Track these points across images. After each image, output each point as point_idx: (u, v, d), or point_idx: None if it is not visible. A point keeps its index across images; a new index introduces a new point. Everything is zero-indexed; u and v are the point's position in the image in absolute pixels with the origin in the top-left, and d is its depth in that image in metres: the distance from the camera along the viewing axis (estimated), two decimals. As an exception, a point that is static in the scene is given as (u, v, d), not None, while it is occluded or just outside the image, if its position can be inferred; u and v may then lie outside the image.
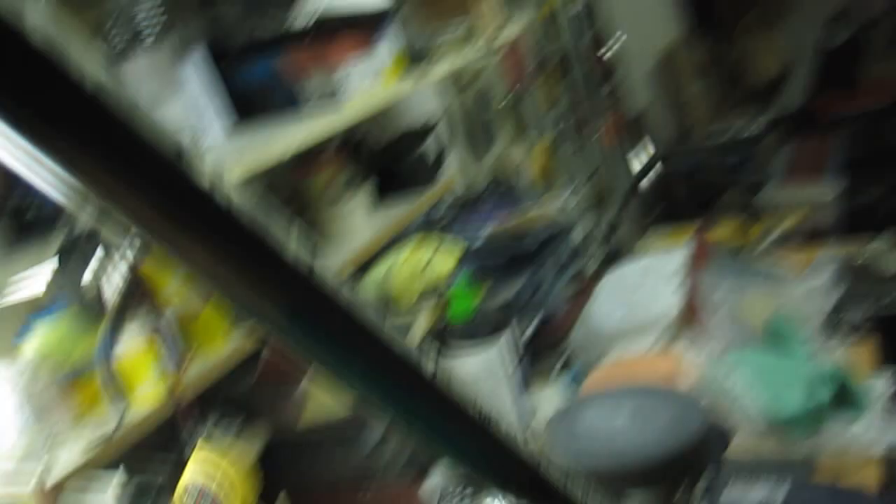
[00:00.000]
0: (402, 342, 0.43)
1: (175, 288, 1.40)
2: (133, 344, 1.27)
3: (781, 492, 1.21)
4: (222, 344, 1.43)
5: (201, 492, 1.09)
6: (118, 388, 1.15)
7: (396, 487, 1.39)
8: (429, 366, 0.44)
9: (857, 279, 1.87)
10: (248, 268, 0.37)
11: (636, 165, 3.96)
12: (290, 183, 1.81)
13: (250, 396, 1.43)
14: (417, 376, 0.44)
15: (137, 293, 1.16)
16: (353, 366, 0.42)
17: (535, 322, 1.90)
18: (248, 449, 1.37)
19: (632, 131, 4.14)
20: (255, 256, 0.37)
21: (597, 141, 3.56)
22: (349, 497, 1.41)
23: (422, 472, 1.46)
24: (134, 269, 1.23)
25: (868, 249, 1.89)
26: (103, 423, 1.24)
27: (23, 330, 1.30)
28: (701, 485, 1.23)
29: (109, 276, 1.17)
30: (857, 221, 3.26)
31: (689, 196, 3.78)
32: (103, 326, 1.13)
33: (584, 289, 2.04)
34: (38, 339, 1.27)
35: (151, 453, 1.33)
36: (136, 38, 1.42)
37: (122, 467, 1.22)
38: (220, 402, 1.43)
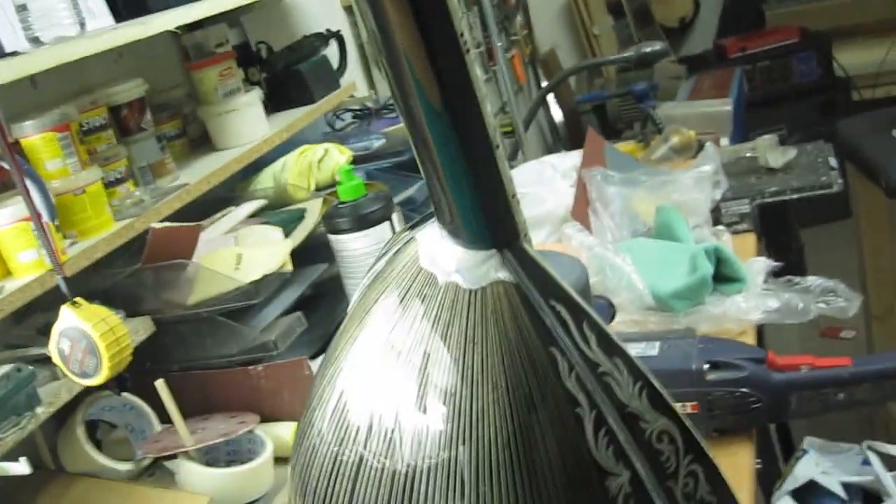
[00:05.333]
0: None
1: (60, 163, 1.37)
2: (11, 215, 1.25)
3: (655, 347, 1.25)
4: (108, 223, 1.42)
5: (78, 335, 1.07)
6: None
7: (287, 366, 1.39)
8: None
9: (743, 172, 1.92)
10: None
11: (548, 100, 4.01)
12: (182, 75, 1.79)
13: (136, 277, 1.41)
14: None
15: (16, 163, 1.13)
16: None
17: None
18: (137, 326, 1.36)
19: (543, 68, 4.18)
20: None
21: (507, 73, 3.58)
22: (237, 375, 1.41)
23: (314, 353, 1.47)
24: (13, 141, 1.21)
25: (754, 144, 1.95)
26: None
27: None
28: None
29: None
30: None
31: (598, 127, 3.83)
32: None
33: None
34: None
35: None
36: None
37: None
38: (104, 285, 1.41)
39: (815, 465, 2.08)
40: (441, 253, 0.64)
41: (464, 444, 0.58)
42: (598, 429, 0.58)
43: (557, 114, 3.94)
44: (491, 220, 0.61)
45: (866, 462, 2.05)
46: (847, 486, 2.00)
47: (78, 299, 1.11)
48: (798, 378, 1.16)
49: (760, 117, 4.44)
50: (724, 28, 5.16)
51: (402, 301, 0.64)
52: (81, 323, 1.07)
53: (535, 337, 0.59)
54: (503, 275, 0.61)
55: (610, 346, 0.60)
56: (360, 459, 0.61)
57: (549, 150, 3.99)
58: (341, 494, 0.61)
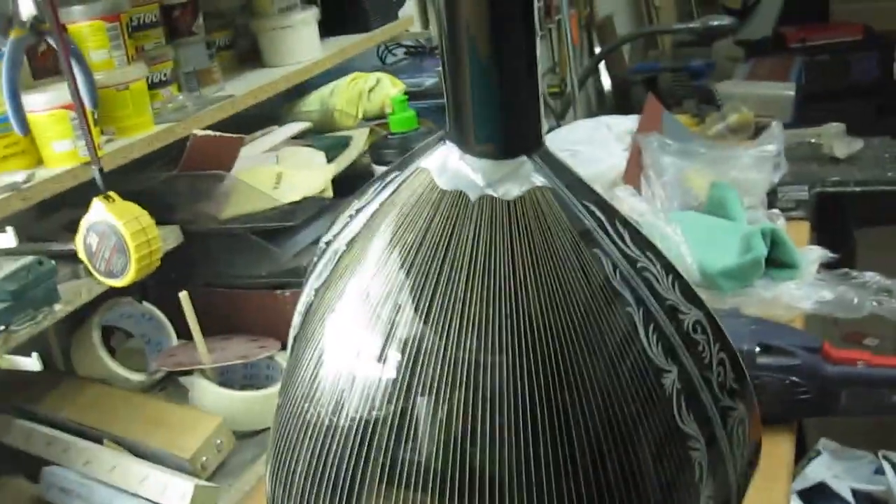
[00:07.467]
0: None
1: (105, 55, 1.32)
2: (49, 101, 1.19)
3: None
4: (148, 124, 1.36)
5: (108, 231, 1.02)
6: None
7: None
8: None
9: (804, 157, 1.85)
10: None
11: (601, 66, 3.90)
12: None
13: (171, 184, 1.36)
14: None
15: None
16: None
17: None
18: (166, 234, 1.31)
19: (598, 33, 4.07)
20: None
21: (567, 30, 3.48)
22: (264, 298, 1.36)
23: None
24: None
25: (820, 130, 1.87)
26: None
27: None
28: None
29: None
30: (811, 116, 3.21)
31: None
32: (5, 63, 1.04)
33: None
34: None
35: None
36: None
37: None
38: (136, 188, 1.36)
39: (826, 467, 2.04)
40: (467, 170, 0.58)
41: (525, 359, 0.53)
42: (647, 326, 0.56)
43: (606, 82, 3.84)
44: (521, 126, 0.58)
45: (879, 471, 2.00)
46: (856, 493, 1.96)
47: (112, 194, 1.05)
48: (853, 373, 1.10)
49: (813, 112, 4.32)
50: (786, 16, 5.02)
51: (427, 231, 0.58)
52: (112, 218, 1.02)
53: (580, 240, 0.56)
54: (539, 180, 0.57)
55: (642, 241, 0.58)
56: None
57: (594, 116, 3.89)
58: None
